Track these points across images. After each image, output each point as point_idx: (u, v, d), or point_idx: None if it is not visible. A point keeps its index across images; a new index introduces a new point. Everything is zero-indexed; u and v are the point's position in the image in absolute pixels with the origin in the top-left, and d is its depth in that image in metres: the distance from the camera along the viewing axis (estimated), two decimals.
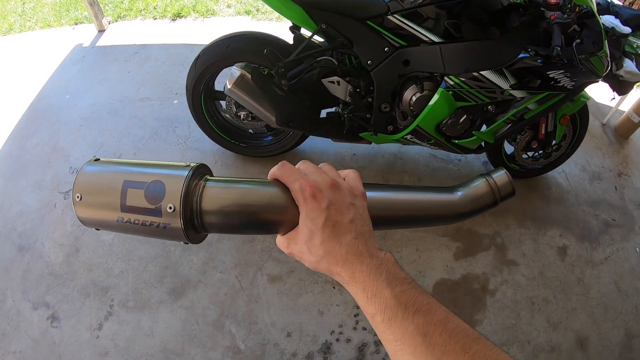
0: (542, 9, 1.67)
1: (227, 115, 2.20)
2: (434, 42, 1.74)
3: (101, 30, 3.22)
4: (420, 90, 1.83)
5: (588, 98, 1.99)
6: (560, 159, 2.20)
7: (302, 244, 0.47)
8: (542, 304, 1.96)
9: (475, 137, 1.94)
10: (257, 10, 3.34)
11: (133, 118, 2.58)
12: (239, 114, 2.07)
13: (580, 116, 2.08)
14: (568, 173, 2.34)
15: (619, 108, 2.58)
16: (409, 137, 1.96)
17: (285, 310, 1.94)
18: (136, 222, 0.50)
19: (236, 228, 0.52)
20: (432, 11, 1.76)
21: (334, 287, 1.98)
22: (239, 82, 1.76)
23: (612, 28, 1.73)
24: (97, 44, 3.14)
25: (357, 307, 1.93)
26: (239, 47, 1.90)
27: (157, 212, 0.49)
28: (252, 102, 1.80)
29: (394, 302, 0.41)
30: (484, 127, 2.00)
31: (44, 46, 3.24)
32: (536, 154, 2.17)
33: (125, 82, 2.80)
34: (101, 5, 3.25)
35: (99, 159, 0.55)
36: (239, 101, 1.83)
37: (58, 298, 2.09)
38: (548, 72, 1.75)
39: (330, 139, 2.11)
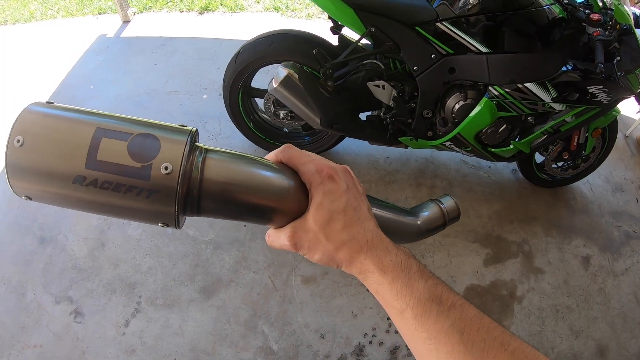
0: (584, 24, 1.63)
1: (265, 115, 2.11)
2: (480, 52, 1.69)
3: (126, 21, 3.06)
4: (464, 99, 1.78)
5: (618, 112, 1.96)
6: (588, 170, 2.18)
7: (318, 230, 0.39)
8: (566, 312, 1.93)
9: (512, 147, 1.89)
10: (287, 7, 3.23)
11: (161, 111, 2.45)
12: (277, 112, 1.98)
13: (610, 129, 2.06)
14: (592, 184, 2.32)
15: None
16: (447, 143, 1.90)
17: (318, 311, 1.86)
18: (105, 184, 0.36)
19: (233, 210, 0.42)
20: (480, 20, 1.70)
21: (367, 290, 1.91)
22: (286, 82, 1.67)
23: None
24: (122, 35, 2.98)
25: None
26: (283, 46, 1.81)
27: (143, 172, 0.36)
28: (297, 102, 1.72)
29: (427, 296, 0.36)
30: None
31: (66, 35, 3.07)
32: (565, 164, 2.14)
33: (152, 75, 2.66)
34: None
35: (53, 103, 0.40)
36: (282, 101, 1.75)
37: (82, 293, 1.97)
38: (588, 87, 1.72)
39: (366, 142, 2.04)
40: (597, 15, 1.59)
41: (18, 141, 0.36)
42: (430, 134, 1.91)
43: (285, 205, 0.42)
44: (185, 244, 2.05)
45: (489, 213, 2.15)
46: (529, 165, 2.14)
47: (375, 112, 1.95)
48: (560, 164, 2.14)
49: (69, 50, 2.90)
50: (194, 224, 2.09)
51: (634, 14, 1.80)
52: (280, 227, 0.43)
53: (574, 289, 1.99)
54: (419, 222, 0.53)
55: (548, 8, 1.66)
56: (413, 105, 1.84)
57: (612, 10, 1.63)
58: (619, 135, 2.42)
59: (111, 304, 1.93)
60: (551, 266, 2.05)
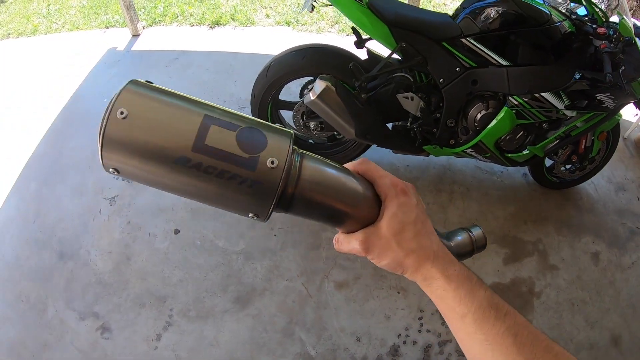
0: (591, 37, 1.76)
1: (292, 127, 2.14)
2: (501, 65, 1.79)
3: (135, 35, 3.02)
4: (486, 109, 1.87)
5: (621, 116, 2.10)
6: (593, 171, 2.31)
7: (390, 237, 0.43)
8: (581, 305, 2.02)
9: (527, 152, 2.00)
10: (297, 21, 3.26)
11: None
12: (308, 124, 2.02)
13: (613, 132, 2.20)
14: (597, 184, 2.46)
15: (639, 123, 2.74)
16: (469, 150, 1.99)
17: (353, 315, 1.89)
18: (209, 169, 0.36)
19: (318, 210, 0.43)
20: (500, 36, 1.80)
21: (398, 292, 1.96)
22: (324, 94, 1.71)
23: None
24: (133, 49, 2.93)
25: (421, 311, 1.92)
26: (316, 59, 1.86)
27: (249, 163, 0.37)
28: (334, 114, 1.77)
29: (487, 303, 0.40)
30: None
31: (73, 48, 2.99)
32: (573, 166, 2.27)
33: (168, 88, 2.64)
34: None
35: (153, 83, 0.40)
36: (318, 112, 1.79)
37: (109, 308, 1.91)
38: (596, 95, 1.85)
39: (389, 151, 2.11)
40: (603, 29, 1.72)
41: (122, 113, 0.35)
42: (452, 142, 1.99)
43: (360, 212, 0.44)
44: (215, 255, 2.03)
45: (504, 215, 2.24)
46: (539, 168, 2.26)
47: (400, 123, 2.02)
48: (568, 166, 2.26)
49: (78, 63, 2.84)
50: (223, 235, 2.09)
51: (635, 26, 1.95)
52: (350, 232, 0.45)
53: (587, 283, 2.09)
54: (452, 245, 0.55)
55: (560, 24, 1.77)
56: (438, 115, 1.91)
57: (614, 23, 1.77)
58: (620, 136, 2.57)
59: (141, 318, 1.89)
60: (564, 263, 2.15)
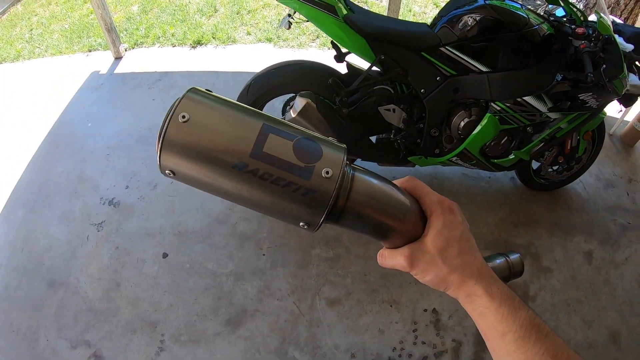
0: (570, 38, 1.72)
1: None
2: (481, 71, 1.75)
3: (118, 57, 2.97)
4: (469, 116, 1.83)
5: (605, 114, 2.06)
6: (581, 171, 2.27)
7: (435, 254, 0.43)
8: (576, 305, 1.98)
9: (513, 156, 1.96)
10: (278, 37, 3.21)
11: None
12: None
13: (598, 130, 2.16)
14: (585, 183, 2.42)
15: (625, 119, 2.70)
16: (454, 159, 1.95)
17: (346, 331, 1.83)
18: (266, 175, 0.37)
19: (366, 223, 0.44)
20: (478, 42, 1.76)
21: (391, 306, 1.91)
22: (305, 111, 1.67)
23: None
24: (116, 71, 2.89)
25: (415, 323, 1.87)
26: (296, 76, 1.82)
27: (305, 172, 0.38)
28: (315, 131, 1.72)
29: (528, 323, 0.40)
30: None
31: (56, 73, 2.94)
32: (560, 167, 2.23)
33: (152, 110, 2.58)
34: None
35: (212, 92, 0.41)
36: None
37: (100, 335, 1.86)
38: (579, 95, 1.81)
39: (375, 163, 2.06)
40: (582, 29, 1.69)
41: (183, 117, 0.36)
42: (437, 151, 1.95)
43: (406, 227, 0.44)
44: (205, 277, 1.98)
45: (495, 220, 2.20)
46: (526, 172, 2.22)
47: (384, 135, 1.97)
48: (555, 167, 2.22)
49: (61, 87, 2.79)
50: (212, 257, 2.03)
51: (614, 23, 1.92)
52: (394, 247, 0.45)
53: (581, 283, 2.05)
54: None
55: (538, 27, 1.73)
56: (421, 125, 1.87)
57: (593, 22, 1.73)
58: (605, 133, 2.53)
59: (133, 344, 1.84)
60: (558, 264, 2.11)
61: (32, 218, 2.24)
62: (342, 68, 1.89)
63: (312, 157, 0.38)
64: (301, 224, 0.40)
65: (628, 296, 2.04)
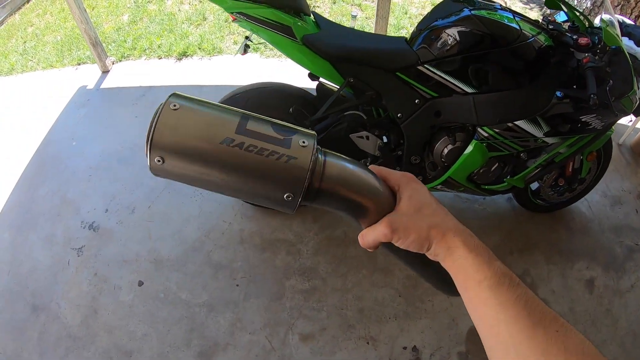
0: (572, 49, 1.46)
1: None
2: (466, 93, 1.51)
3: (105, 71, 2.88)
4: (453, 142, 1.61)
5: (612, 131, 1.80)
6: (584, 192, 2.02)
7: (412, 213, 0.45)
8: None
9: (506, 184, 1.73)
10: (265, 46, 3.03)
11: (144, 167, 2.23)
12: None
13: (605, 149, 1.90)
14: (590, 201, 2.16)
15: (636, 126, 2.41)
16: (439, 187, 1.74)
17: None
18: (250, 147, 0.40)
19: (344, 201, 0.45)
20: (463, 59, 1.52)
21: (367, 343, 1.76)
22: None
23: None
24: (102, 86, 2.80)
25: None
26: (261, 103, 1.65)
27: (284, 142, 0.41)
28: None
29: (502, 272, 0.42)
30: None
31: (47, 88, 2.89)
32: (561, 189, 1.97)
33: (134, 128, 2.49)
34: (104, 44, 2.91)
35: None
36: None
37: None
38: (581, 117, 1.55)
39: None
40: (586, 39, 1.42)
41: (174, 106, 0.39)
42: (420, 178, 1.74)
43: (380, 203, 0.46)
44: (178, 307, 1.89)
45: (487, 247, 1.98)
46: (524, 194, 1.99)
47: (362, 161, 1.78)
48: (556, 189, 1.97)
49: (51, 103, 2.74)
50: (186, 286, 1.93)
51: (622, 24, 1.63)
52: (371, 224, 0.47)
53: (580, 315, 1.85)
54: None
55: (534, 39, 1.47)
56: (400, 152, 1.67)
57: (598, 29, 1.46)
58: (613, 145, 2.26)
59: None
60: (555, 295, 1.90)
61: (18, 240, 2.22)
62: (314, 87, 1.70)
63: (288, 133, 0.42)
64: (285, 195, 0.42)
65: (632, 327, 1.83)
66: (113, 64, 2.94)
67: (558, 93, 1.51)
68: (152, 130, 0.39)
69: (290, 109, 1.52)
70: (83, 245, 2.13)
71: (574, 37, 1.44)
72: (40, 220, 2.26)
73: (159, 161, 0.39)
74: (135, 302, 1.94)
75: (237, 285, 1.91)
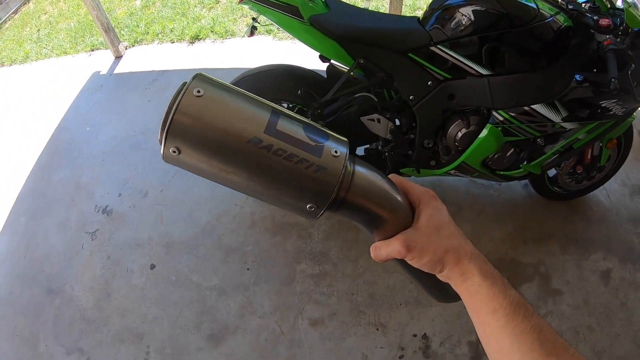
0: (592, 31, 1.41)
1: None
2: (481, 75, 1.48)
3: (118, 57, 2.93)
4: (467, 126, 1.58)
5: (634, 118, 1.73)
6: (603, 180, 1.97)
7: (430, 234, 0.45)
8: (587, 333, 1.75)
9: (522, 170, 1.69)
10: (278, 29, 3.00)
11: (157, 152, 2.32)
12: None
13: (625, 136, 1.83)
14: (608, 189, 2.10)
15: None
16: (452, 172, 1.72)
17: (328, 354, 1.72)
18: (279, 151, 0.37)
19: (366, 214, 0.44)
20: (477, 40, 1.48)
21: (377, 329, 1.76)
22: None
23: None
24: (115, 71, 2.85)
25: (402, 349, 1.72)
26: (269, 85, 1.64)
27: (316, 150, 0.38)
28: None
29: (517, 301, 0.42)
30: None
31: (61, 74, 2.96)
32: (579, 176, 1.92)
33: (147, 113, 2.53)
34: (117, 29, 2.94)
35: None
36: None
37: (92, 344, 1.89)
38: (600, 102, 1.50)
39: None
40: (607, 20, 1.37)
41: (198, 91, 0.36)
42: (433, 163, 1.73)
43: (399, 217, 0.45)
44: (189, 290, 1.93)
45: (501, 236, 1.96)
46: (541, 180, 1.94)
47: (374, 145, 1.77)
48: (574, 176, 1.92)
49: (65, 90, 2.80)
50: (197, 270, 1.97)
51: None
52: (386, 237, 0.46)
53: (595, 307, 1.82)
54: None
55: (552, 19, 1.42)
56: (412, 136, 1.65)
57: (621, 10, 1.40)
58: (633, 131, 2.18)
59: (121, 354, 1.85)
60: (570, 286, 1.87)
61: (34, 226, 2.28)
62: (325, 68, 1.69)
63: (320, 138, 0.39)
64: (308, 205, 0.40)
65: None
66: (126, 49, 2.98)
67: (577, 77, 1.46)
68: (170, 117, 0.35)
69: (299, 91, 1.51)
70: (97, 229, 2.18)
71: (595, 17, 1.39)
72: (55, 206, 2.32)
73: (174, 152, 0.36)
74: (147, 285, 1.98)
75: (248, 269, 1.93)
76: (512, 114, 1.52)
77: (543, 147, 1.65)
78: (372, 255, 0.48)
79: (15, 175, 2.48)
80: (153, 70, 2.81)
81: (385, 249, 0.46)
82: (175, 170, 2.26)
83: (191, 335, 1.84)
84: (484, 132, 1.55)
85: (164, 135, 0.35)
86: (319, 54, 1.62)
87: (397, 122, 1.67)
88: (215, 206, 2.13)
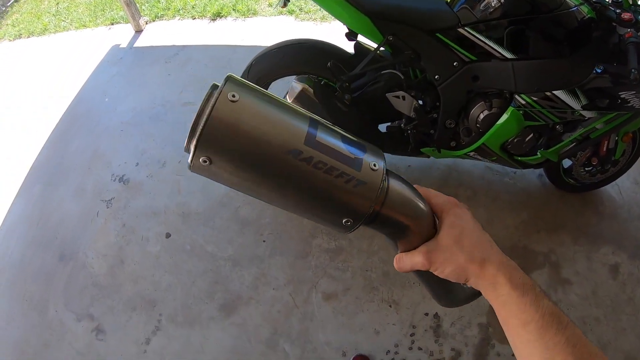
0: (614, 24, 1.49)
1: None
2: (506, 58, 1.56)
3: (138, 31, 2.98)
4: (489, 108, 1.65)
5: None
6: (617, 174, 2.03)
7: (451, 244, 0.44)
8: (594, 323, 1.81)
9: (539, 156, 1.77)
10: (300, 9, 3.09)
11: (176, 124, 2.39)
12: None
13: None
14: (621, 186, 2.17)
15: None
16: (472, 153, 1.79)
17: (340, 328, 1.78)
18: (320, 164, 0.36)
19: (395, 225, 0.44)
20: (504, 24, 1.56)
21: (390, 306, 1.82)
22: (300, 97, 1.58)
23: None
24: (135, 45, 2.91)
25: (414, 327, 1.78)
26: (296, 58, 1.71)
27: (355, 163, 0.38)
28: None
29: (550, 313, 0.41)
30: None
31: (80, 47, 3.01)
32: (593, 169, 2.00)
33: (167, 86, 2.59)
34: (138, 4, 3.01)
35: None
36: None
37: (103, 310, 1.94)
38: (619, 93, 1.58)
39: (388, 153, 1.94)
40: (629, 14, 1.44)
41: (233, 96, 0.33)
42: (453, 144, 1.80)
43: (422, 228, 0.45)
44: (204, 260, 1.99)
45: (515, 223, 2.03)
46: (556, 170, 2.01)
47: (396, 123, 1.84)
48: (588, 168, 2.00)
49: (83, 62, 2.85)
50: (213, 240, 2.03)
51: None
52: (409, 249, 0.47)
53: (602, 300, 1.87)
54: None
55: (577, 9, 1.51)
56: (435, 115, 1.72)
57: None
58: None
59: (132, 321, 1.90)
60: (579, 276, 1.93)
61: (48, 193, 2.34)
62: (352, 47, 1.76)
63: (359, 150, 0.39)
64: (344, 220, 0.39)
65: None
66: (146, 23, 3.04)
67: (598, 68, 1.54)
68: (203, 123, 0.33)
69: (329, 64, 1.58)
70: (113, 197, 2.24)
71: (617, 11, 1.47)
72: (71, 174, 2.37)
73: (205, 162, 0.34)
74: (162, 253, 2.04)
75: (264, 241, 1.99)
76: (534, 98, 1.59)
77: (561, 135, 1.72)
78: (395, 266, 0.48)
79: (31, 144, 2.53)
80: (174, 45, 2.86)
81: (408, 261, 0.47)
82: None
83: (204, 304, 1.89)
84: (506, 115, 1.62)
85: (193, 144, 0.33)
86: (345, 32, 1.70)
87: (421, 101, 1.74)
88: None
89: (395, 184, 0.43)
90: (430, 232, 0.46)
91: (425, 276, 0.49)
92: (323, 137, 0.37)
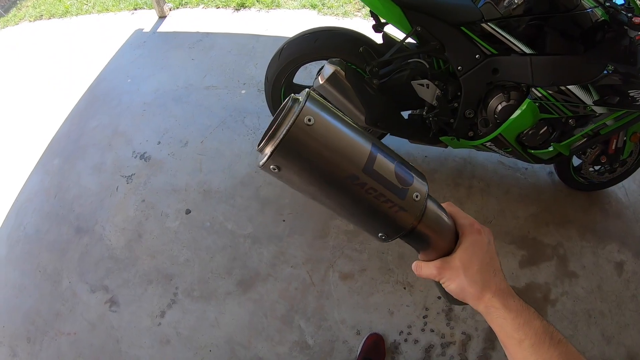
0: (626, 27, 1.65)
1: None
2: (524, 53, 1.70)
3: (162, 17, 3.09)
4: (507, 100, 1.78)
5: None
6: (624, 175, 2.17)
7: (459, 267, 0.51)
8: (598, 317, 1.91)
9: (552, 149, 1.90)
10: (323, 4, 3.21)
11: (199, 106, 2.48)
12: None
13: None
14: (627, 188, 2.31)
15: None
16: (488, 144, 1.91)
17: (355, 308, 1.87)
18: (371, 190, 0.43)
19: (423, 241, 0.51)
20: (524, 21, 1.71)
21: (404, 288, 1.92)
22: (333, 79, 1.70)
23: None
24: (159, 30, 3.01)
25: (427, 309, 1.88)
26: (329, 43, 1.84)
27: (401, 192, 0.45)
28: (343, 99, 1.75)
29: (542, 331, 0.46)
30: None
31: (102, 29, 3.11)
32: (602, 168, 2.14)
33: (190, 70, 2.69)
34: None
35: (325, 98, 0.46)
36: (327, 97, 1.78)
37: (118, 283, 1.99)
38: (629, 91, 1.73)
39: (406, 140, 2.06)
40: (639, 18, 1.61)
41: (309, 120, 0.39)
42: (471, 134, 1.92)
43: (444, 244, 0.52)
44: (223, 237, 2.07)
45: (525, 215, 2.15)
46: (566, 167, 2.14)
47: (418, 111, 1.97)
48: (597, 167, 2.14)
49: (105, 44, 2.95)
50: (233, 218, 2.12)
51: None
52: (429, 259, 0.54)
53: (607, 294, 1.97)
54: None
55: (591, 11, 1.67)
56: (456, 105, 1.85)
57: None
58: None
59: (147, 294, 1.95)
60: (585, 270, 2.04)
61: (67, 167, 2.41)
62: (379, 39, 1.90)
63: (407, 181, 0.45)
64: (380, 234, 0.48)
65: None
66: (170, 10, 3.16)
67: (609, 67, 1.69)
68: (280, 138, 0.38)
69: (361, 49, 1.71)
70: (133, 174, 2.32)
71: (629, 15, 1.64)
72: (91, 150, 2.45)
73: (274, 169, 0.40)
74: (181, 229, 2.11)
75: (284, 220, 2.08)
76: (550, 92, 1.74)
77: (573, 129, 1.86)
78: (414, 270, 0.56)
79: (51, 120, 2.62)
80: (198, 32, 2.96)
81: (426, 270, 0.55)
82: (217, 124, 2.41)
83: (221, 279, 1.97)
84: (523, 106, 1.75)
85: (269, 152, 0.39)
86: (372, 24, 1.84)
87: (443, 91, 1.88)
88: (255, 160, 2.26)
89: (432, 206, 0.50)
90: (450, 248, 0.53)
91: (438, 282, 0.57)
92: (380, 165, 0.43)
